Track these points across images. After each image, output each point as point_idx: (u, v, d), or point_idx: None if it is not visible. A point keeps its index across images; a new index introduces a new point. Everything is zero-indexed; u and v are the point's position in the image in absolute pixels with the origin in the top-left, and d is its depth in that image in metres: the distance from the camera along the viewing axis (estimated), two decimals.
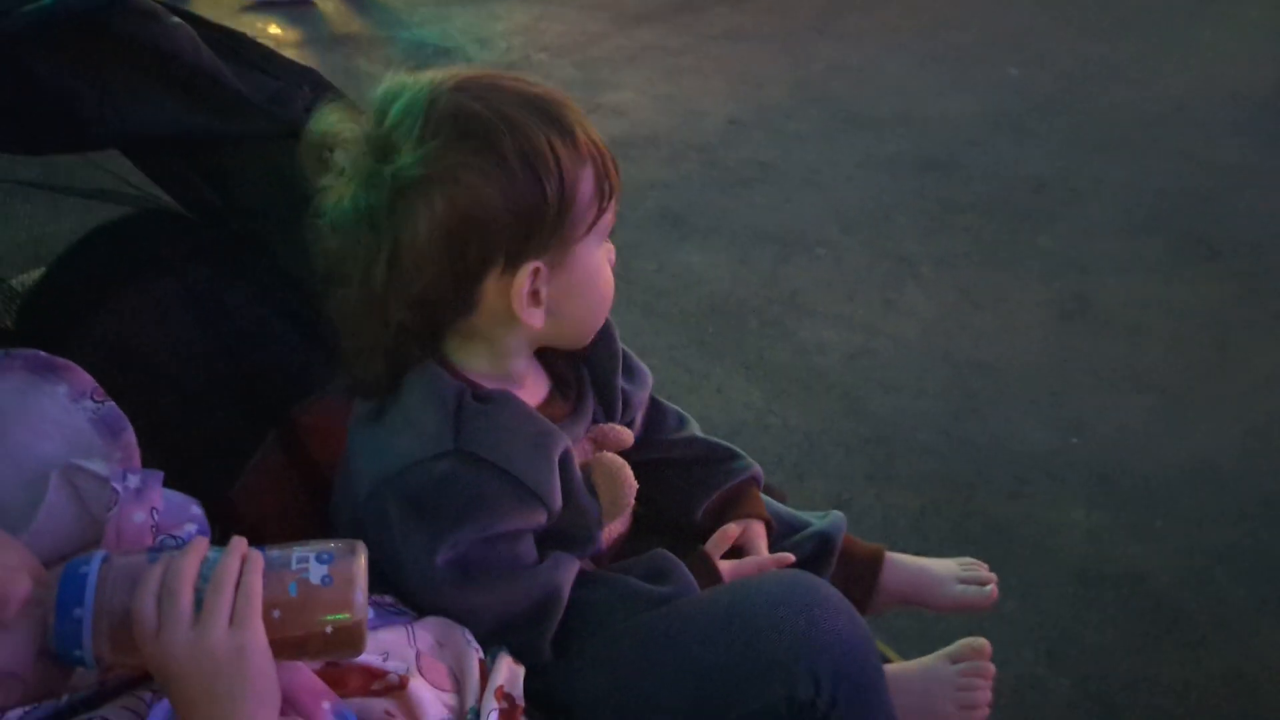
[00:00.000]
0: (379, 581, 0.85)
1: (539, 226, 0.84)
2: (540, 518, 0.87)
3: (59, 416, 0.83)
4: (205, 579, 0.68)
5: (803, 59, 3.92)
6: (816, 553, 1.07)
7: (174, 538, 0.81)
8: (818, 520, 1.11)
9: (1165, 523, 1.98)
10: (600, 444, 0.99)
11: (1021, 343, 2.47)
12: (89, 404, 0.85)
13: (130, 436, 0.85)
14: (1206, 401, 2.27)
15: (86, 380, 0.85)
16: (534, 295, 0.87)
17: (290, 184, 0.94)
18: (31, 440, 0.82)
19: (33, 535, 0.78)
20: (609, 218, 0.88)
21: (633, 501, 0.96)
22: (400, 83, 0.86)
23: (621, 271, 2.96)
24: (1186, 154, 3.23)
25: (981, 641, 0.96)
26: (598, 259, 0.90)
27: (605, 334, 0.98)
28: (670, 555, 0.93)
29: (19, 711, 0.67)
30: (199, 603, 0.67)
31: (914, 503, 2.01)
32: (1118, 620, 1.79)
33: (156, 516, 0.79)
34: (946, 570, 1.09)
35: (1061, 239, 2.87)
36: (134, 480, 0.79)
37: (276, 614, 0.68)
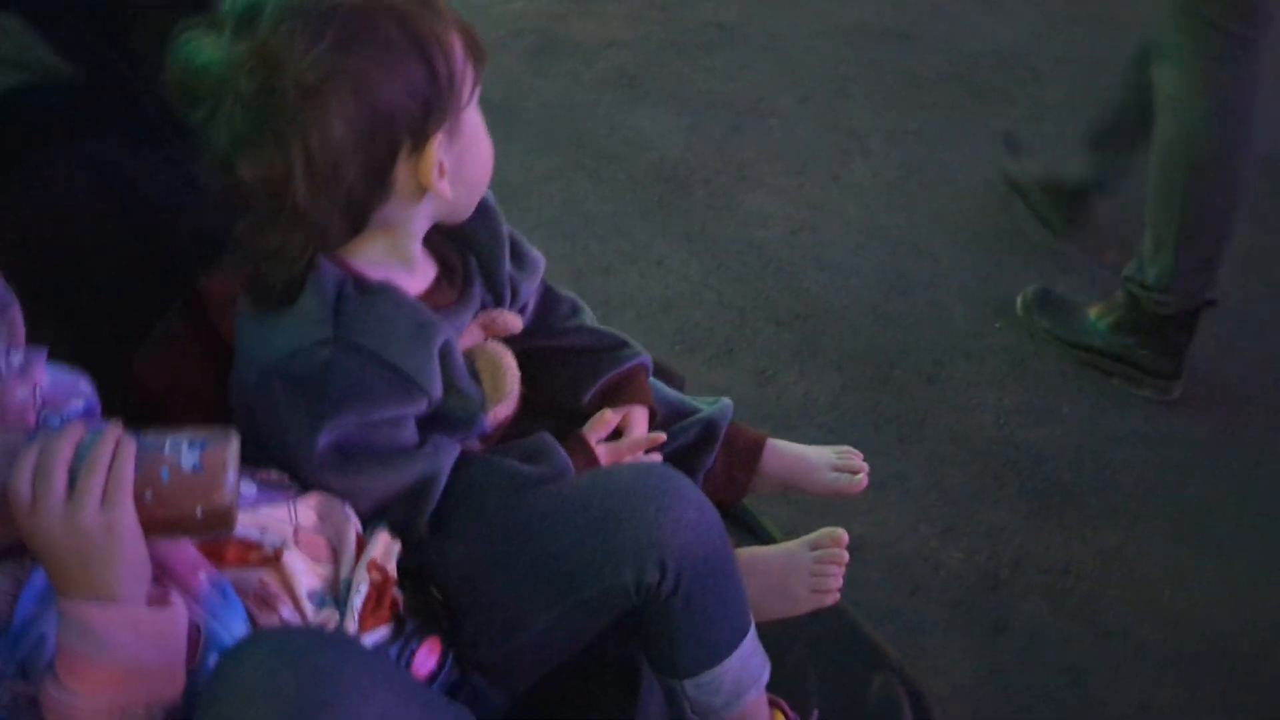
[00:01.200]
0: (267, 459, 0.90)
1: (436, 101, 0.88)
2: (420, 404, 0.92)
3: None
4: (81, 460, 0.72)
5: None
6: (701, 438, 1.13)
7: (58, 414, 0.85)
8: (706, 406, 1.17)
9: (1071, 408, 2.07)
10: (489, 329, 1.03)
11: (960, 225, 2.50)
12: None
13: (15, 313, 0.87)
14: None
15: None
16: (439, 166, 0.90)
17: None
18: None
19: None
20: (479, 80, 0.92)
21: (515, 389, 1.00)
22: None
23: (571, 135, 2.92)
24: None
25: (839, 531, 1.03)
26: (478, 119, 0.95)
27: (490, 221, 1.02)
28: (549, 438, 0.98)
29: None
30: (74, 483, 0.71)
31: (835, 380, 2.08)
32: (1014, 500, 1.89)
33: (40, 394, 0.83)
34: (822, 458, 1.16)
35: (1015, 120, 2.86)
36: (17, 357, 0.82)
37: (149, 495, 0.73)
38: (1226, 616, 1.73)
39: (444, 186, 0.91)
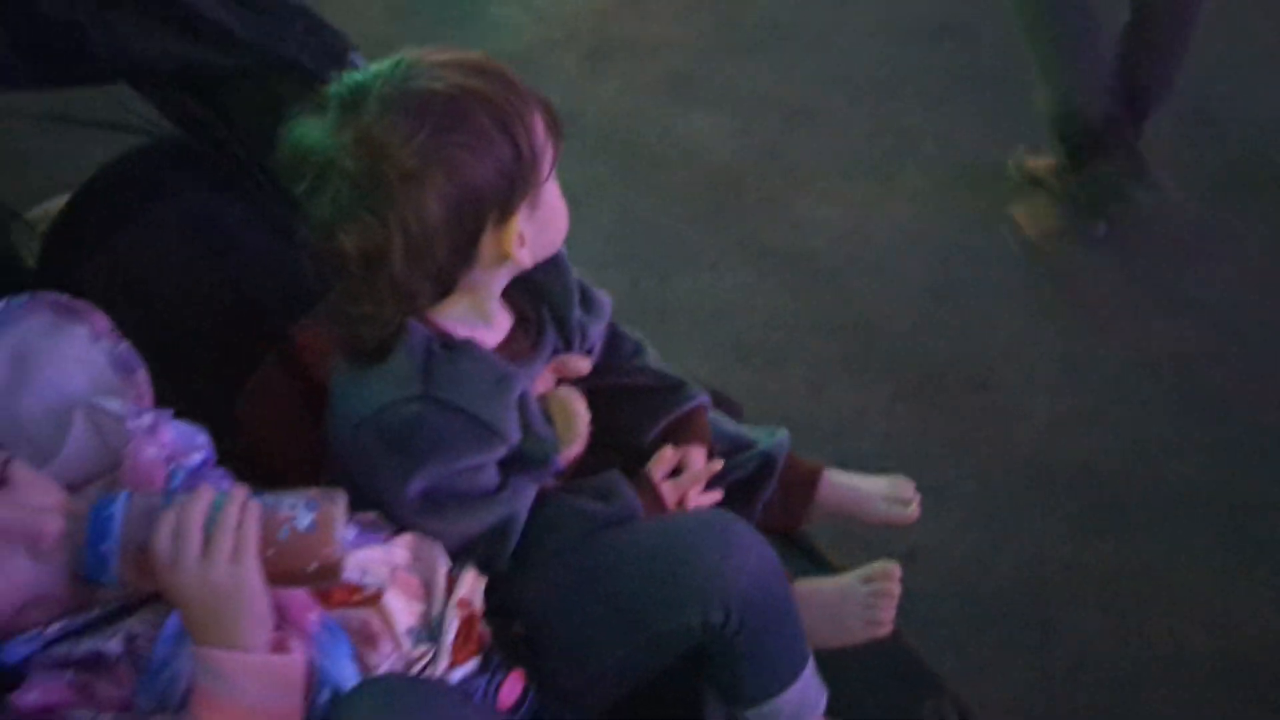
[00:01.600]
0: (364, 503, 0.98)
1: (520, 178, 0.96)
2: (500, 451, 1.00)
3: (81, 355, 0.95)
4: (212, 521, 0.81)
5: None
6: (759, 471, 1.20)
7: (183, 467, 0.94)
8: (764, 438, 1.23)
9: (1122, 414, 2.09)
10: (559, 373, 1.11)
11: (1012, 228, 2.52)
12: (105, 344, 0.96)
13: (143, 375, 0.96)
14: (1187, 289, 2.34)
15: (103, 322, 0.96)
16: (520, 237, 0.98)
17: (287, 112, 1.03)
18: (58, 378, 0.94)
19: (61, 463, 0.91)
20: (557, 155, 1.00)
21: (585, 431, 1.08)
22: (358, 81, 0.95)
23: (625, 140, 2.97)
24: (1208, 31, 3.16)
25: (893, 566, 1.09)
26: (555, 187, 1.02)
27: (561, 271, 1.09)
28: (619, 477, 1.06)
29: (58, 625, 0.82)
30: (207, 543, 0.79)
31: (886, 389, 2.13)
32: (1063, 507, 1.93)
33: (167, 450, 0.92)
34: (875, 489, 1.22)
35: None
36: (147, 419, 0.91)
37: (270, 553, 0.82)
38: (1278, 623, 1.76)
39: (524, 254, 0.99)
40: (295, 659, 0.82)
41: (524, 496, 1.01)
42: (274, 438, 1.11)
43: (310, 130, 0.93)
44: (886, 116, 2.85)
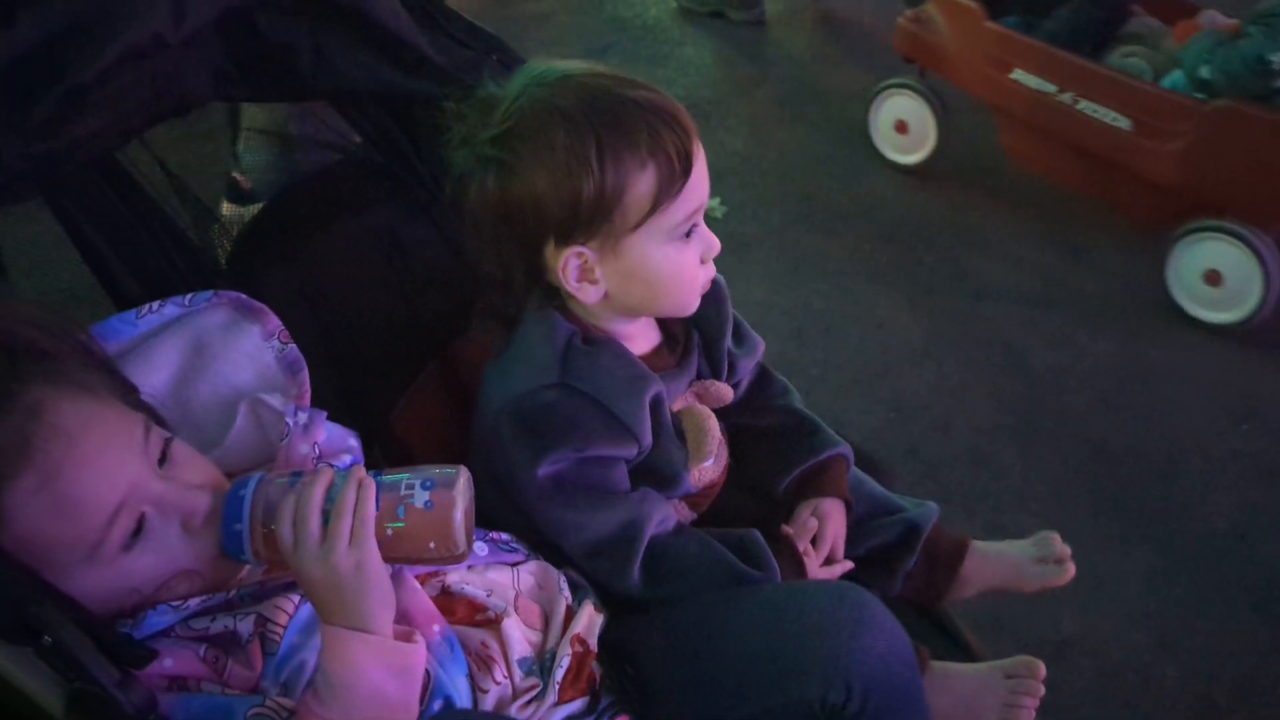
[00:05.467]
0: (499, 502, 0.99)
1: (579, 215, 0.96)
2: (630, 449, 1.00)
3: (253, 352, 1.00)
4: (332, 501, 0.81)
5: None
6: (901, 539, 1.15)
7: (332, 466, 0.97)
8: (911, 507, 1.18)
9: None
10: (701, 397, 1.10)
11: None
12: (275, 344, 1.01)
13: (305, 376, 1.01)
14: None
15: (276, 323, 1.01)
16: (584, 273, 0.99)
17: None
18: (231, 371, 0.99)
19: (224, 450, 0.96)
20: (675, 218, 0.97)
21: (715, 450, 1.06)
22: (532, 69, 1.00)
23: (804, 188, 2.95)
24: None
25: (1037, 663, 1.02)
26: (659, 251, 0.99)
27: (718, 300, 1.09)
28: (761, 540, 1.03)
29: (198, 600, 0.85)
30: (326, 525, 0.80)
31: (1055, 467, 2.01)
32: (1243, 618, 1.77)
33: (318, 449, 0.95)
34: (1024, 553, 1.16)
35: None
36: (303, 417, 0.95)
37: (389, 532, 0.81)
38: None
39: (584, 290, 0.99)
40: (418, 648, 0.82)
41: (651, 505, 1.01)
42: (428, 445, 1.14)
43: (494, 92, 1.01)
44: None
